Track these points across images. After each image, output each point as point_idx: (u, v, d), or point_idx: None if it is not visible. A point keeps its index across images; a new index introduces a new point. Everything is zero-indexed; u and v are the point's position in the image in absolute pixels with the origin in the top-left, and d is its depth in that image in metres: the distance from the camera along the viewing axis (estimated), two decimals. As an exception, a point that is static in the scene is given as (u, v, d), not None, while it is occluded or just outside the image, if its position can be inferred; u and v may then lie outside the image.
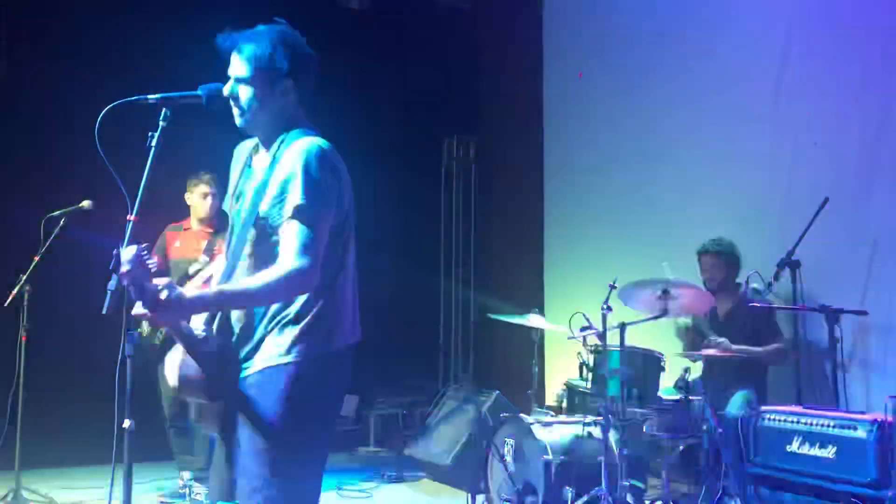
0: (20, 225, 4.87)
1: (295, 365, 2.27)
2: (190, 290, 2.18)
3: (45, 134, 5.89)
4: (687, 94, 5.85)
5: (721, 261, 4.74)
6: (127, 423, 2.11)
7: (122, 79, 5.68)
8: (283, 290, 2.23)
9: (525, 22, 7.40)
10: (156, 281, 2.06)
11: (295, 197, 2.24)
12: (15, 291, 4.60)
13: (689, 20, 5.94)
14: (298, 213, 2.24)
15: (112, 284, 2.01)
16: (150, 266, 2.02)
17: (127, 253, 1.99)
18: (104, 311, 2.00)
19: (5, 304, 4.58)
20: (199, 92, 2.30)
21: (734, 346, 4.47)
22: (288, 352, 2.28)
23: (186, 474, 4.96)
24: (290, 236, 2.23)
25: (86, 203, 4.69)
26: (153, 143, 2.16)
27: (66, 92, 5.73)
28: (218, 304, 2.26)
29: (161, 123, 2.19)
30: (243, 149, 2.53)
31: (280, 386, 2.26)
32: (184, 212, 5.11)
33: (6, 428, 4.72)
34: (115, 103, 2.16)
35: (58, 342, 5.44)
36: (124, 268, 1.98)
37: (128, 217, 2.05)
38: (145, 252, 2.02)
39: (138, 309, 2.06)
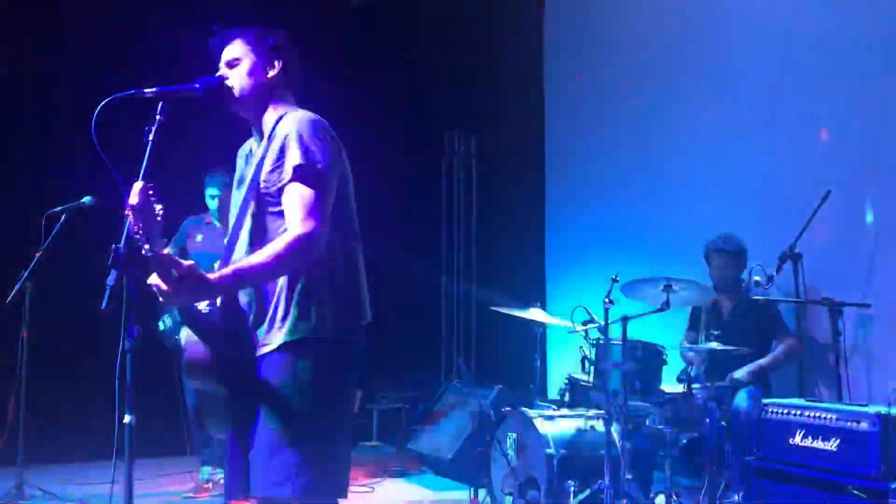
0: (21, 222, 4.87)
1: (312, 344, 2.23)
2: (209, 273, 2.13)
3: (46, 130, 5.89)
4: (688, 88, 5.84)
5: (732, 260, 4.70)
6: (127, 419, 2.10)
7: (122, 73, 5.68)
8: (295, 256, 2.18)
9: (526, 15, 7.38)
10: (183, 261, 2.02)
11: (294, 158, 2.23)
12: (17, 288, 4.60)
13: (690, 15, 5.92)
14: (299, 174, 2.22)
15: (111, 280, 1.99)
16: (156, 207, 1.97)
17: (135, 187, 1.95)
18: (103, 307, 1.99)
19: (7, 302, 4.58)
20: (195, 85, 2.30)
21: (743, 372, 4.45)
22: (304, 330, 2.23)
23: (209, 468, 4.96)
24: (294, 200, 2.21)
25: (86, 199, 4.68)
26: (150, 138, 2.14)
27: (66, 87, 5.73)
28: (237, 284, 2.20)
29: (158, 117, 2.17)
30: (246, 147, 2.55)
31: (299, 368, 2.22)
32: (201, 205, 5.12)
33: (9, 424, 4.73)
34: (111, 98, 2.15)
35: (60, 338, 5.45)
36: (132, 199, 1.93)
37: (125, 212, 2.04)
38: (151, 191, 1.97)
39: (154, 279, 2.01)
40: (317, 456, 2.20)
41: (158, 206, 1.98)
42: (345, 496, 2.31)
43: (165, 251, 2.01)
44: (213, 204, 5.00)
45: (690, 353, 4.71)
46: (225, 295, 2.25)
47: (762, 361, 4.50)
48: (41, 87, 5.92)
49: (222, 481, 4.76)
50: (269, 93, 2.41)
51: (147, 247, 1.96)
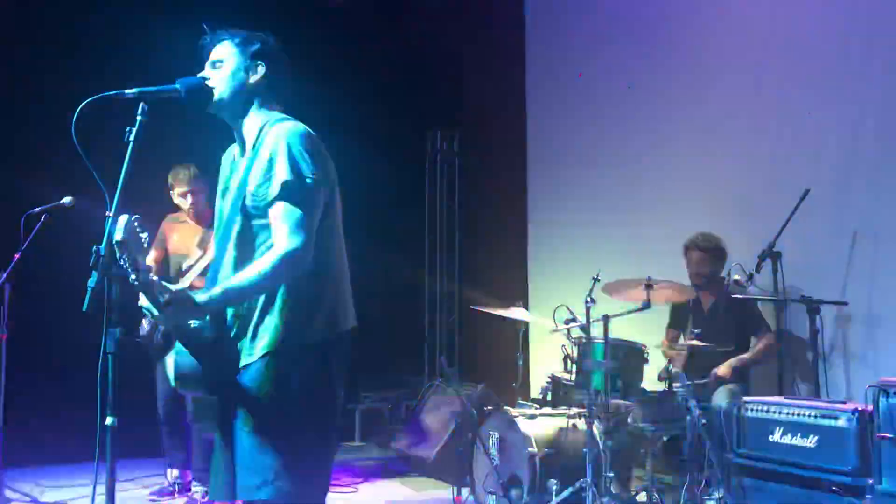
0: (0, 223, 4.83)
1: (295, 352, 2.26)
2: (198, 293, 2.18)
3: (25, 130, 5.83)
4: (669, 88, 5.87)
5: (708, 256, 4.76)
6: (109, 421, 2.10)
7: (102, 72, 5.64)
8: (281, 273, 2.22)
9: (508, 13, 7.40)
10: (170, 286, 2.07)
11: (281, 174, 2.24)
12: (-5, 290, 4.56)
13: (671, 15, 5.96)
14: (286, 191, 2.23)
15: (92, 281, 1.99)
16: (142, 238, 2.00)
17: (120, 221, 1.96)
18: (84, 309, 1.99)
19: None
20: (176, 86, 2.29)
21: (725, 368, 4.50)
22: (287, 338, 2.26)
23: (175, 472, 4.93)
24: (281, 217, 2.23)
25: (66, 200, 4.64)
26: (131, 139, 2.14)
27: (45, 87, 5.68)
28: (225, 303, 2.25)
29: (139, 118, 2.17)
30: (230, 153, 2.54)
31: (282, 375, 2.24)
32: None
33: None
34: (92, 98, 2.14)
35: (40, 340, 5.40)
36: (118, 235, 1.94)
37: (106, 213, 2.04)
38: (137, 223, 1.99)
39: (143, 301, 2.07)
40: (295, 462, 2.23)
41: (144, 235, 2.01)
42: (322, 502, 2.34)
43: (153, 277, 2.06)
44: (184, 202, 4.91)
45: (672, 350, 4.75)
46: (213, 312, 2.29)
47: (742, 357, 4.55)
48: (21, 86, 5.85)
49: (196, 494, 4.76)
50: (251, 98, 2.40)
51: (133, 277, 1.99)
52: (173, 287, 2.09)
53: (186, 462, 4.91)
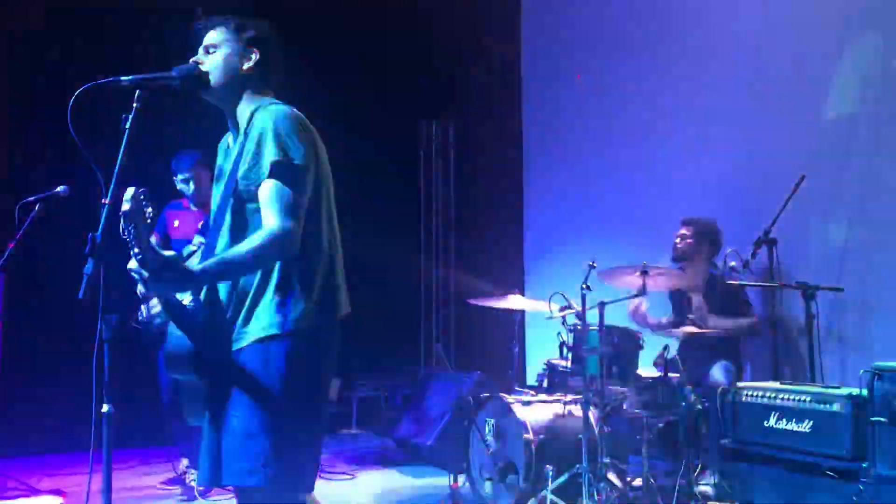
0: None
1: (288, 337, 2.26)
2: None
3: (20, 119, 5.81)
4: (664, 74, 5.86)
5: (691, 231, 4.78)
6: (106, 408, 2.10)
7: (97, 60, 5.61)
8: (268, 252, 2.23)
9: (503, 3, 7.37)
10: (163, 252, 2.07)
11: (270, 154, 2.25)
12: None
13: (666, 3, 5.94)
14: (275, 171, 2.24)
15: (88, 269, 2.00)
16: (147, 212, 2.00)
17: (128, 193, 1.96)
18: (80, 296, 1.99)
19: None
20: (172, 73, 2.29)
21: (710, 321, 4.53)
22: (280, 324, 2.26)
23: (185, 461, 4.92)
24: (270, 197, 2.23)
25: (61, 188, 4.62)
26: (127, 126, 2.14)
27: (40, 75, 5.66)
28: (218, 276, 2.25)
29: (134, 105, 2.17)
30: (225, 140, 2.55)
31: (274, 360, 2.25)
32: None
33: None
34: (87, 85, 2.14)
35: (36, 329, 5.39)
36: (125, 206, 1.95)
37: (102, 200, 2.04)
38: (143, 196, 1.99)
39: (132, 264, 2.05)
40: (287, 448, 2.24)
41: (149, 210, 2.01)
42: (311, 490, 2.36)
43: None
44: (187, 188, 4.91)
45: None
46: (206, 287, 2.29)
47: (721, 321, 4.56)
48: (15, 75, 5.83)
49: (192, 477, 4.76)
50: (244, 84, 2.41)
51: (136, 250, 2.00)
52: (166, 253, 2.08)
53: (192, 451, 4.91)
